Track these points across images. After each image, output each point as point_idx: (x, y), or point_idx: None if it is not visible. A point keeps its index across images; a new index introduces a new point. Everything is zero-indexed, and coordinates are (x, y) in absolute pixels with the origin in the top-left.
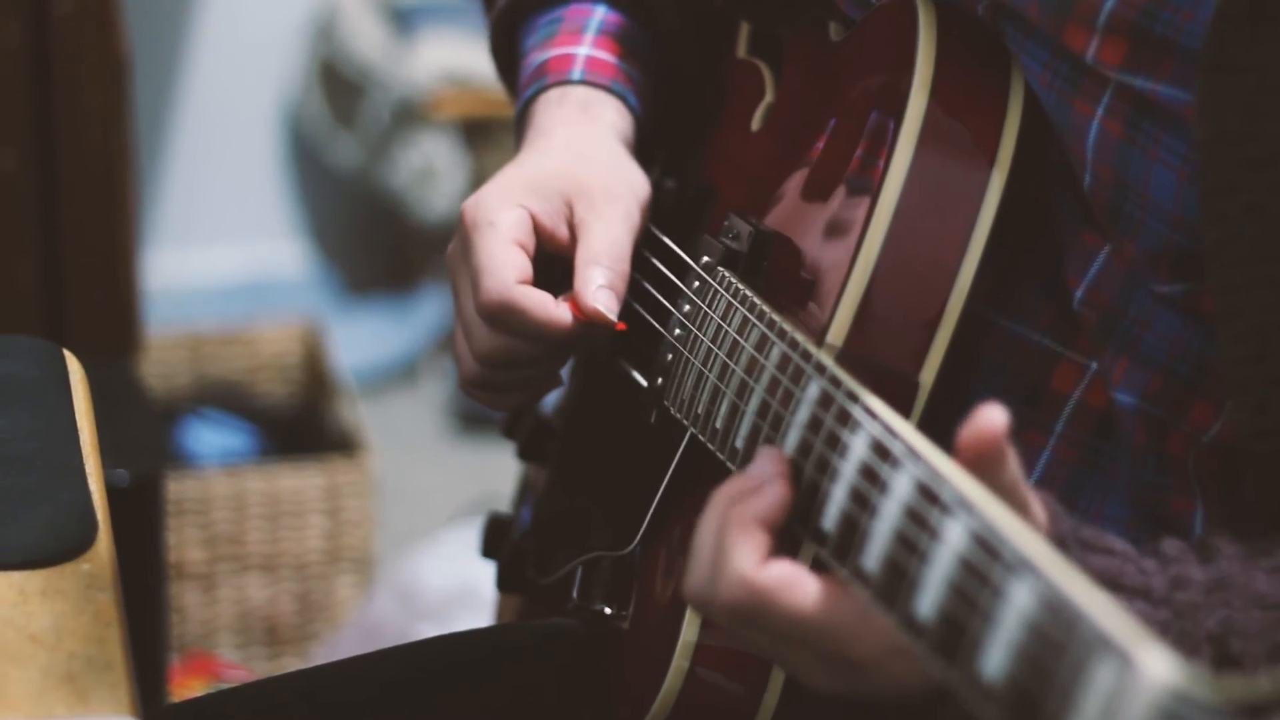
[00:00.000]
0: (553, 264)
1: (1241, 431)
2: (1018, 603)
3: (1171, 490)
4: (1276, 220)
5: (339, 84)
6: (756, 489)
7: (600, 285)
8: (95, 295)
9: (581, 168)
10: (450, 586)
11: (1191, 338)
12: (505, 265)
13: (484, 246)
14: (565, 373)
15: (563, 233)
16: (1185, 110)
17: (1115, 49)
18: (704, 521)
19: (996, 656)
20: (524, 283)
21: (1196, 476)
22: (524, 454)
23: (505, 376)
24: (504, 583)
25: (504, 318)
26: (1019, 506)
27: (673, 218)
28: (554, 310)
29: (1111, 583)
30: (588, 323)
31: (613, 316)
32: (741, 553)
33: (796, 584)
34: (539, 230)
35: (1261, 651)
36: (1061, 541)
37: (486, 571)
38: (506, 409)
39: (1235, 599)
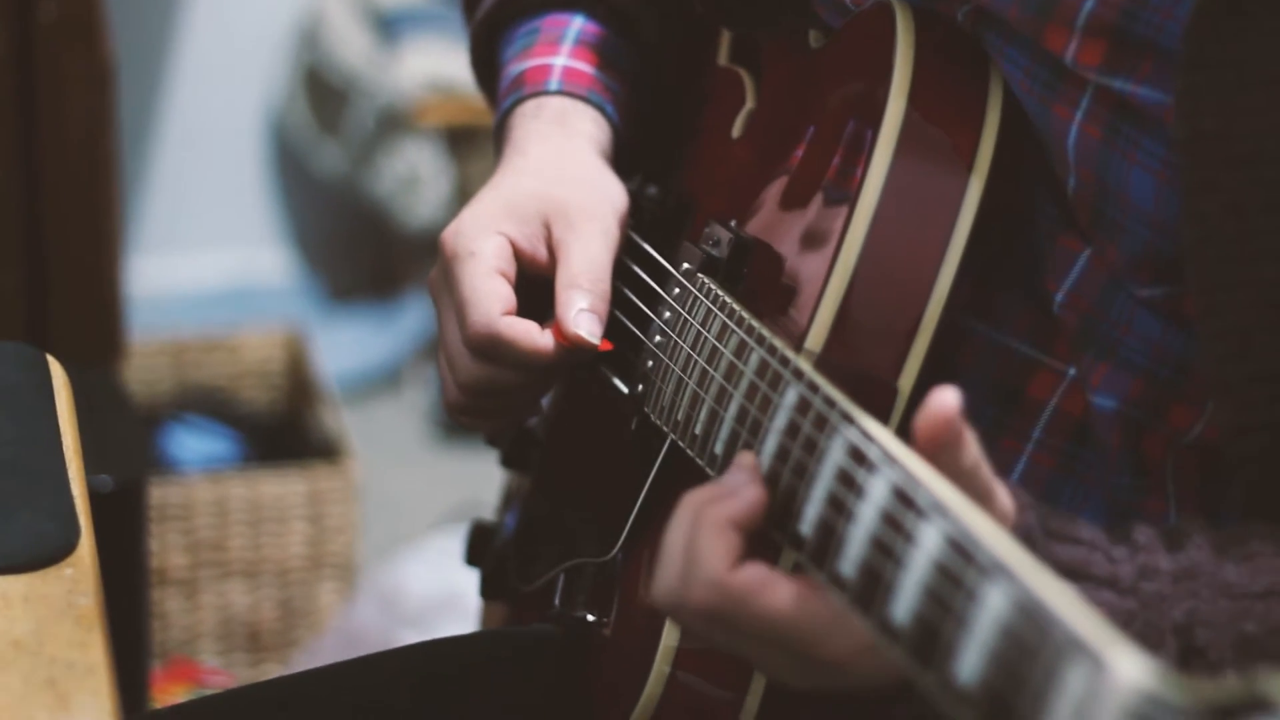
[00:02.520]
0: (534, 286)
1: (1224, 431)
2: (991, 606)
3: (1145, 492)
4: (1255, 218)
5: (323, 91)
6: (731, 492)
7: (581, 309)
8: (79, 301)
9: (557, 187)
10: (432, 593)
11: (1172, 341)
12: (489, 296)
13: (466, 278)
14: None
15: (542, 255)
16: (1164, 112)
17: (1094, 50)
18: (673, 524)
19: (971, 660)
20: (508, 313)
21: (1173, 477)
22: (507, 462)
23: (488, 404)
24: (487, 590)
25: (490, 349)
26: (981, 492)
27: (654, 226)
28: (539, 339)
29: (1079, 573)
30: (571, 349)
31: (595, 340)
32: (713, 555)
33: (768, 586)
34: (519, 255)
35: (1227, 642)
36: (1028, 531)
37: (469, 578)
38: (489, 433)
39: (1203, 589)
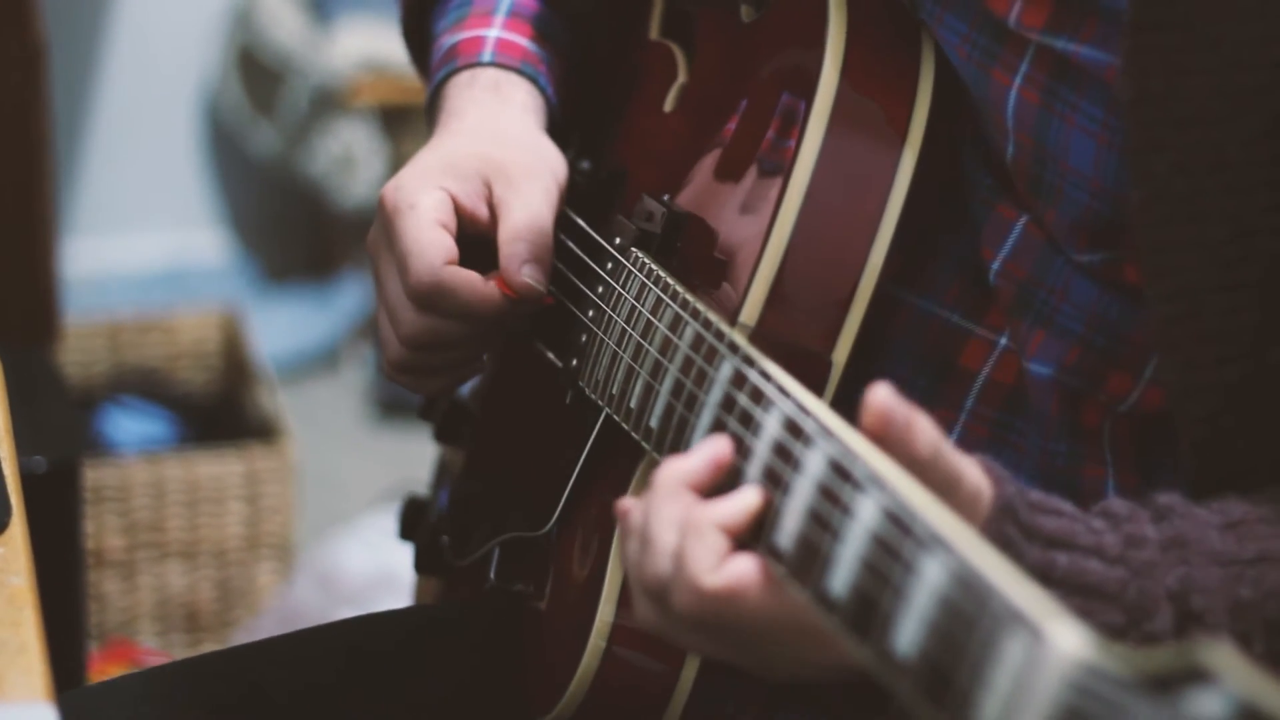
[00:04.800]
0: (473, 246)
1: (1170, 392)
2: (929, 578)
3: (1083, 460)
4: (1202, 178)
5: (257, 71)
6: (726, 492)
7: (525, 260)
8: (13, 283)
9: (497, 147)
10: (370, 572)
11: (1109, 308)
12: (432, 247)
13: (408, 230)
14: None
15: (483, 213)
16: (1106, 72)
17: (1038, 12)
18: (658, 507)
19: (909, 632)
20: (451, 263)
21: (1110, 445)
22: (440, 435)
23: (431, 359)
24: (422, 564)
25: (434, 299)
26: (946, 480)
27: (587, 200)
28: (483, 289)
29: (1065, 543)
30: (516, 299)
31: (541, 291)
32: (699, 559)
33: (754, 584)
34: (459, 211)
35: (1223, 607)
36: (1010, 503)
37: (406, 556)
38: (431, 393)
39: (1193, 556)
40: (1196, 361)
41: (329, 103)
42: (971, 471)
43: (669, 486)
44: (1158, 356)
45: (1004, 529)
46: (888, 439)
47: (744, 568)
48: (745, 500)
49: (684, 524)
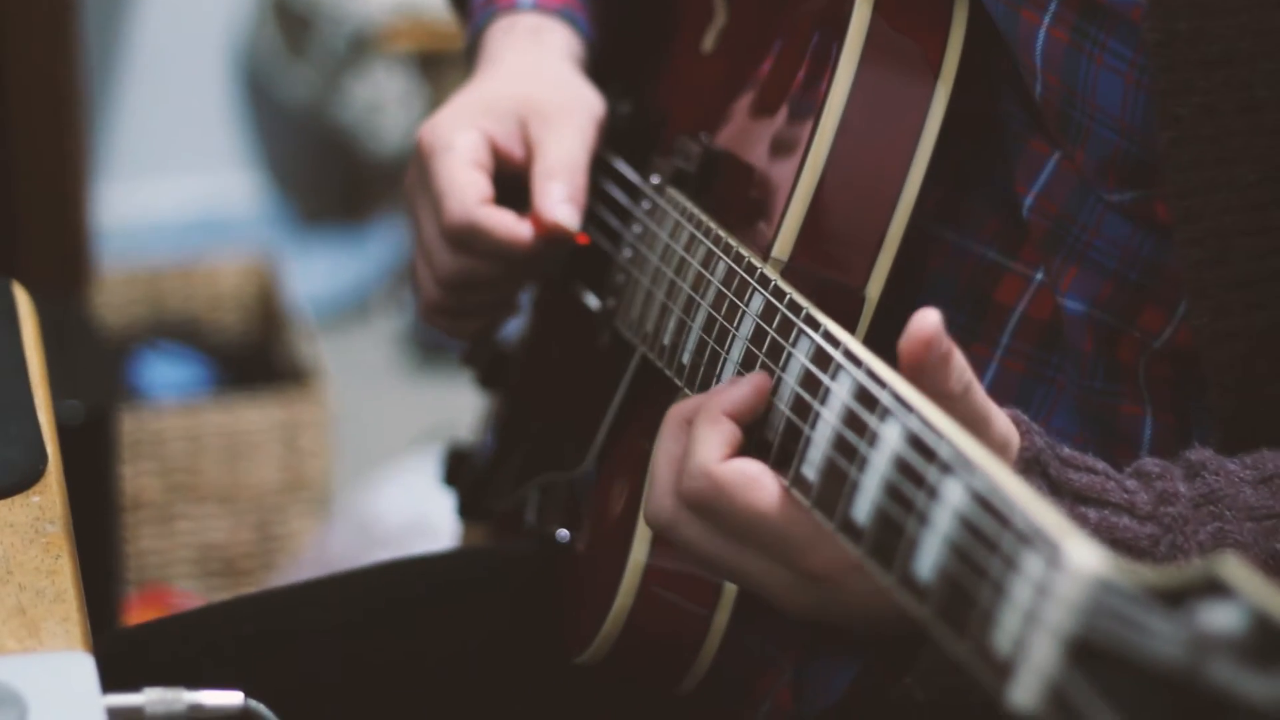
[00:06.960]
0: (509, 186)
1: (1200, 336)
2: (952, 500)
3: (1121, 397)
4: (1230, 121)
5: (291, 16)
6: (730, 383)
7: (559, 199)
8: (47, 230)
9: (534, 87)
10: (407, 517)
11: (1141, 244)
12: (467, 187)
13: (444, 170)
14: (523, 300)
15: (519, 153)
16: (1133, 11)
17: None
18: (666, 425)
19: (931, 554)
20: (486, 203)
21: (1146, 383)
22: (484, 381)
23: (466, 300)
24: (464, 510)
25: (468, 238)
26: (974, 418)
27: (627, 142)
28: (517, 228)
29: (1096, 499)
30: (549, 238)
31: (574, 227)
32: (708, 443)
33: (757, 483)
34: (496, 151)
35: (1259, 560)
36: (1038, 454)
37: (443, 501)
38: (466, 336)
39: (1226, 512)
40: (1226, 306)
41: (363, 48)
42: (1000, 419)
43: (710, 413)
44: (1187, 301)
45: (1030, 481)
46: (923, 367)
47: (756, 467)
48: (749, 384)
49: (695, 413)
